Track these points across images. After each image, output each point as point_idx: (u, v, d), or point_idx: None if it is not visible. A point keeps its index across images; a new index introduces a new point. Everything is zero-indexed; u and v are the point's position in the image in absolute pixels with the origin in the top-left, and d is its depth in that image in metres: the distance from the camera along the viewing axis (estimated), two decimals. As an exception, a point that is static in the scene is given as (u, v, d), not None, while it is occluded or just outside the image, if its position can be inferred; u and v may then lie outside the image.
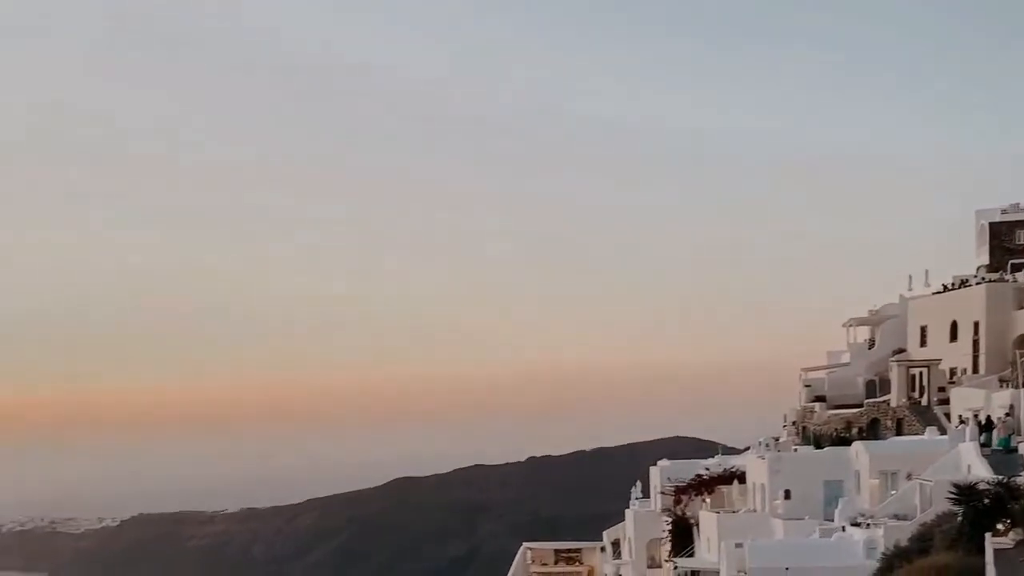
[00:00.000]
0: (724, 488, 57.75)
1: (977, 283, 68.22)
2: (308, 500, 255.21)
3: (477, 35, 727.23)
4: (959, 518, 30.33)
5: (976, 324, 65.79)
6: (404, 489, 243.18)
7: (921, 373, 66.63)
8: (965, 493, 30.62)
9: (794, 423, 74.54)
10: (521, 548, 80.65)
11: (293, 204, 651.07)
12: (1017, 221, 71.92)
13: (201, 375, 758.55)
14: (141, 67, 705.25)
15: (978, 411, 52.48)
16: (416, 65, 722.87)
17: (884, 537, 37.40)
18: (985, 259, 71.79)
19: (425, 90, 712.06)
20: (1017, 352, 60.65)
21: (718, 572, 45.37)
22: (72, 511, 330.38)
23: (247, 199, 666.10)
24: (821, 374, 74.72)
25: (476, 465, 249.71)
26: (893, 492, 44.25)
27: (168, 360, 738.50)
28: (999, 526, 27.70)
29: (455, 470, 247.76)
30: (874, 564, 34.82)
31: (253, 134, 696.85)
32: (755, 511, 51.74)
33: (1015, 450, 46.40)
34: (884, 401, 67.62)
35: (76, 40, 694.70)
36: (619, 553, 70.23)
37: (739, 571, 41.37)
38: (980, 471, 38.79)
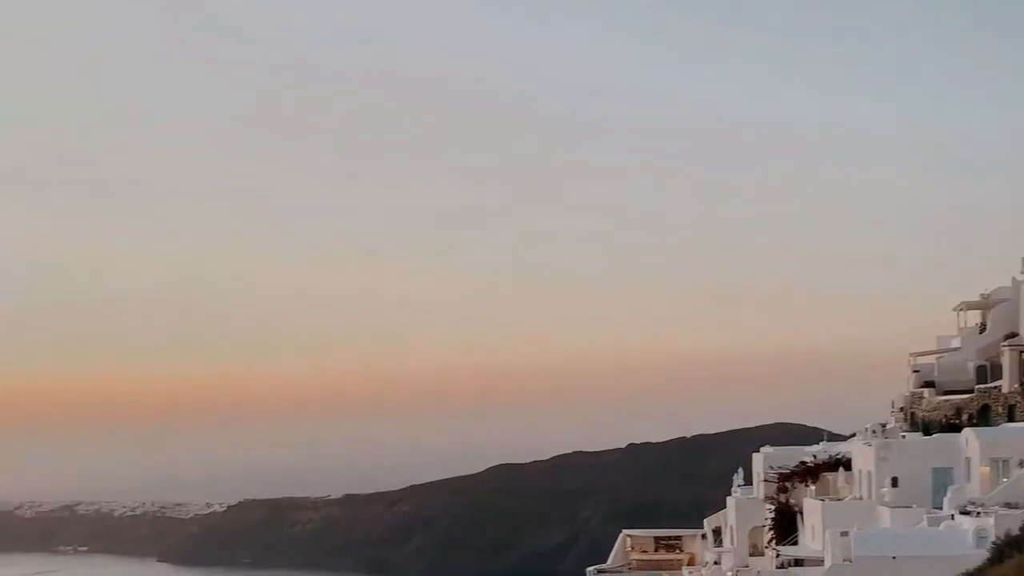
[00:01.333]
0: (829, 475, 56.79)
1: (1092, 265, 65.72)
2: (408, 487, 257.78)
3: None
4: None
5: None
6: (504, 476, 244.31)
7: (1034, 358, 64.40)
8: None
9: (902, 409, 72.77)
10: (621, 535, 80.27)
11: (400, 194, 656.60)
12: None
13: (308, 363, 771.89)
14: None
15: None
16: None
17: (995, 526, 36.41)
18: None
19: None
20: None
21: (822, 561, 44.59)
22: (181, 497, 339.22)
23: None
24: (930, 359, 72.67)
25: (576, 452, 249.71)
26: (1004, 480, 43.02)
27: (275, 348, 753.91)
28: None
29: (555, 457, 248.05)
30: (984, 553, 33.88)
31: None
32: (861, 499, 50.80)
33: None
34: (995, 387, 65.58)
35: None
36: (720, 541, 69.49)
37: (844, 560, 40.63)
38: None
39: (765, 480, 61.52)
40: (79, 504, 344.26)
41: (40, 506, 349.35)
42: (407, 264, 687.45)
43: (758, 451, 65.90)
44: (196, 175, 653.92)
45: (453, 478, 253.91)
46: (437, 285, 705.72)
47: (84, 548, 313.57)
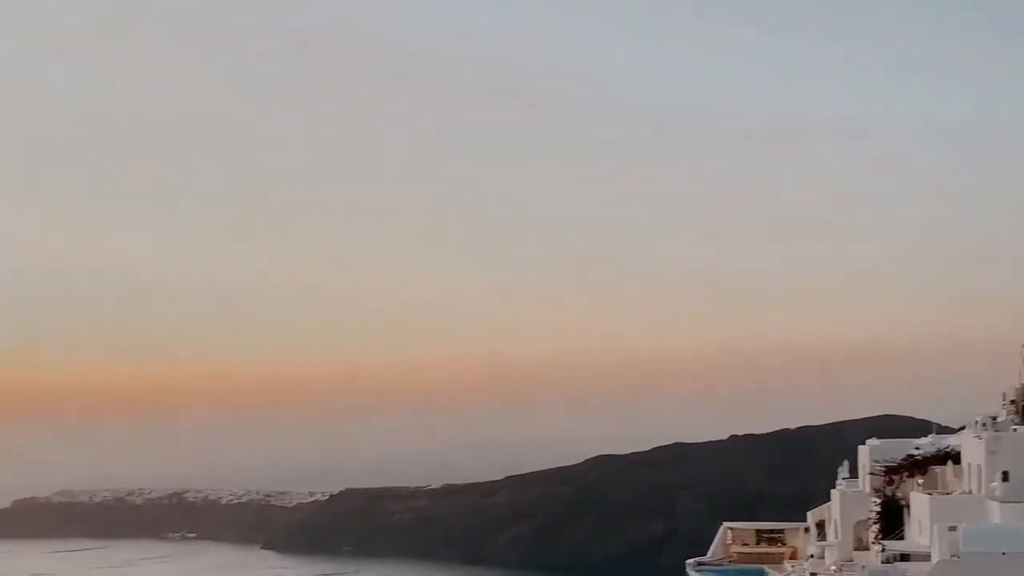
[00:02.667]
0: (937, 469, 55.14)
1: None
2: (506, 477, 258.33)
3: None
4: None
5: None
6: (603, 467, 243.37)
7: None
8: None
9: (1013, 401, 70.24)
10: (721, 527, 79.17)
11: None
12: None
13: (407, 355, 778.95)
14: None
15: None
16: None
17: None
18: None
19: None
20: None
21: (929, 557, 43.26)
22: (285, 486, 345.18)
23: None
24: (1043, 349, 70.03)
25: (676, 443, 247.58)
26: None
27: (374, 340, 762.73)
28: None
29: (655, 448, 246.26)
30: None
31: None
32: (970, 493, 49.19)
33: None
34: (1112, 377, 62.89)
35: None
36: (824, 534, 68.03)
37: (952, 556, 39.35)
38: None
39: (871, 473, 60.05)
40: (187, 492, 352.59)
41: (150, 494, 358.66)
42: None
43: (864, 443, 64.48)
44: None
45: (551, 469, 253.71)
46: (536, 278, 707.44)
47: (191, 535, 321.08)
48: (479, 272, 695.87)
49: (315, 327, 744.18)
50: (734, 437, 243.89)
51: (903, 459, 57.28)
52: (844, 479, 65.86)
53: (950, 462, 53.98)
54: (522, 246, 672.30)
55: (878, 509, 57.63)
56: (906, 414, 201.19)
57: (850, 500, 62.67)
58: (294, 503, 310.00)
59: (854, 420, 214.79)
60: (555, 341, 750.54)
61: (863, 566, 56.31)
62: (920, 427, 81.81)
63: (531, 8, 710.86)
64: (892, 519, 55.66)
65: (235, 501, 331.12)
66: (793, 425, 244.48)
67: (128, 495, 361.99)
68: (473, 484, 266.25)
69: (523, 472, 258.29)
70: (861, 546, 61.72)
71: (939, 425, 75.83)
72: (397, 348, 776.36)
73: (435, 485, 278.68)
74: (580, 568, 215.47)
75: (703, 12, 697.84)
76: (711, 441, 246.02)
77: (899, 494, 56.43)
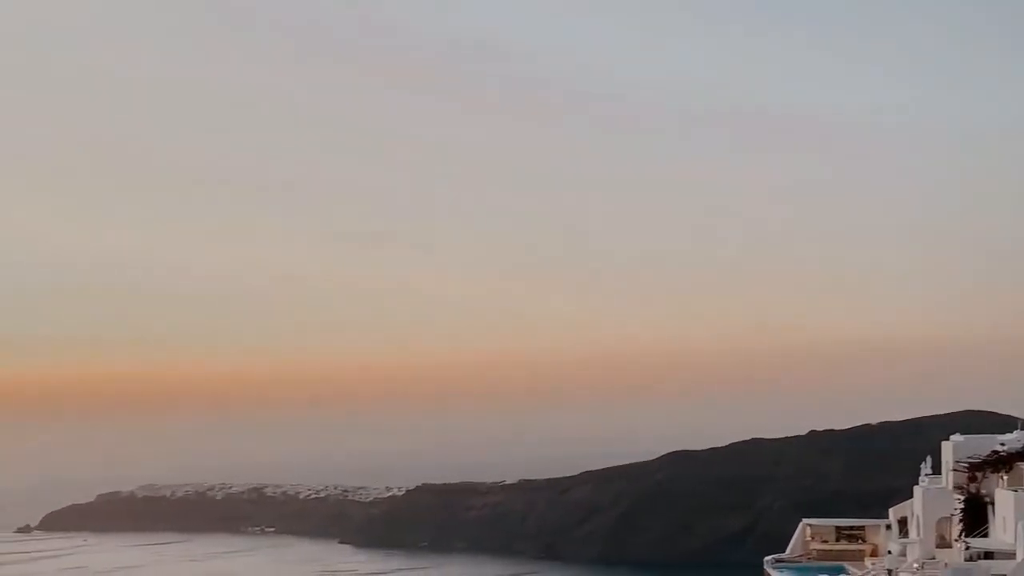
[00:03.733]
0: (1023, 465, 53.68)
1: None
2: (583, 473, 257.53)
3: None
4: None
5: None
6: (680, 463, 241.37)
7: None
8: None
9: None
10: (800, 524, 78.29)
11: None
12: None
13: (483, 352, 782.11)
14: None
15: None
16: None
17: None
18: None
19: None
20: None
21: (1014, 554, 41.97)
22: (363, 481, 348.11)
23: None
24: None
25: (754, 439, 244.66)
26: None
27: (452, 338, 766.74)
28: None
29: (732, 444, 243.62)
30: None
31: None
32: (1059, 490, 47.62)
33: None
34: None
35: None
36: (905, 532, 66.71)
37: (1041, 555, 37.98)
38: None
39: (954, 470, 58.90)
40: (267, 487, 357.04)
41: (230, 488, 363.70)
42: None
43: (947, 439, 63.20)
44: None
45: (628, 465, 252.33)
46: (613, 272, 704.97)
47: (271, 529, 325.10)
48: (548, 270, 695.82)
49: (391, 322, 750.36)
50: (813, 433, 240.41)
51: (988, 455, 56.00)
52: (927, 476, 64.57)
53: (1037, 458, 52.54)
54: (577, 245, 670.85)
55: (961, 506, 56.38)
56: (991, 409, 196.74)
57: (933, 497, 61.42)
58: (371, 498, 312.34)
59: (936, 416, 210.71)
60: (629, 338, 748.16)
61: (945, 564, 55.07)
62: (1006, 423, 79.71)
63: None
64: (976, 516, 54.44)
65: (313, 496, 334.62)
66: (875, 420, 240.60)
67: (209, 490, 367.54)
68: (549, 480, 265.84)
69: (600, 468, 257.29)
70: (944, 543, 60.49)
71: (1024, 421, 73.66)
72: (470, 345, 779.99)
73: (511, 480, 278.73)
74: (656, 564, 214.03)
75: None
76: (789, 437, 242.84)
77: (983, 491, 55.19)
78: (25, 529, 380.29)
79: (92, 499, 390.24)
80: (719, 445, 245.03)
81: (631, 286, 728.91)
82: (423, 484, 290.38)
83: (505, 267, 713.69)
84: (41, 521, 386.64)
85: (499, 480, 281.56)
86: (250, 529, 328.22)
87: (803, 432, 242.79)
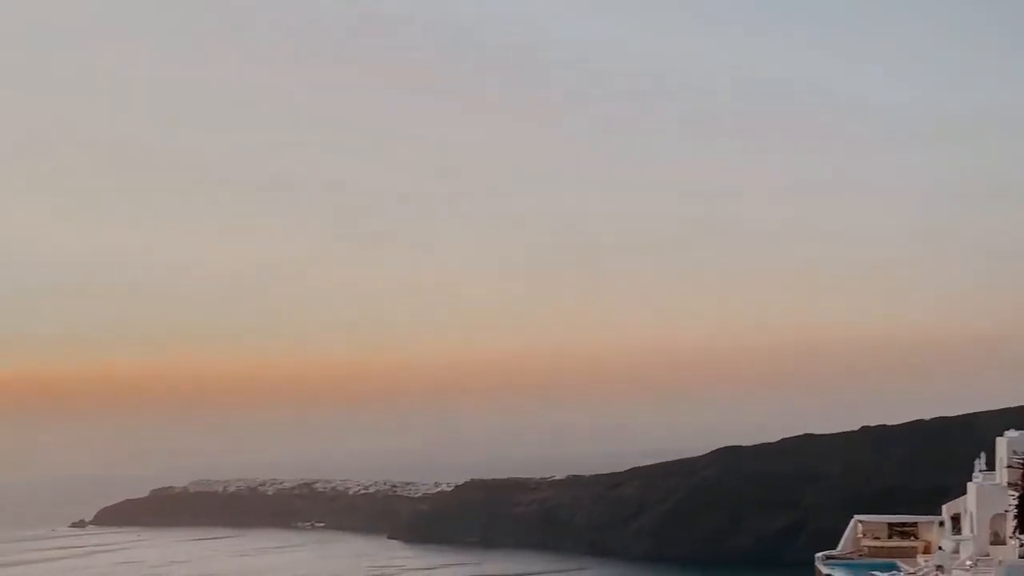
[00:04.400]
0: (1080, 461, 52.49)
1: None
2: (632, 468, 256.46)
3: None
4: None
5: None
6: (729, 458, 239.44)
7: None
8: None
9: None
10: (852, 521, 77.57)
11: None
12: None
13: (536, 346, 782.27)
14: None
15: None
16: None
17: None
18: None
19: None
20: None
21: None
22: (411, 476, 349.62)
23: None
24: None
25: (805, 435, 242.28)
26: None
27: (502, 332, 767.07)
28: None
29: (782, 439, 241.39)
30: None
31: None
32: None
33: None
34: None
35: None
36: (959, 529, 65.69)
37: (1099, 552, 36.99)
38: None
39: (1009, 466, 57.84)
40: (316, 482, 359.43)
41: (281, 484, 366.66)
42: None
43: (1002, 435, 62.15)
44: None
45: (676, 461, 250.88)
46: (668, 267, 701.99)
47: (320, 524, 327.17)
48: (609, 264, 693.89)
49: (438, 320, 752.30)
50: (865, 428, 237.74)
51: (1043, 451, 54.77)
52: (981, 472, 63.58)
53: (1094, 454, 51.36)
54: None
55: (1016, 503, 55.33)
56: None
57: (987, 493, 60.46)
58: (420, 493, 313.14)
59: (991, 411, 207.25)
60: (677, 331, 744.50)
61: (999, 561, 54.12)
62: (1062, 418, 78.11)
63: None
64: (1032, 513, 53.24)
65: (362, 491, 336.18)
66: (928, 416, 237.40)
67: (260, 485, 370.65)
68: (598, 476, 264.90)
69: (649, 464, 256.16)
70: (998, 540, 59.57)
71: (1082, 415, 72.29)
72: (519, 339, 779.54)
73: (559, 476, 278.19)
74: (706, 561, 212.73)
75: None
76: (841, 432, 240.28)
77: (1039, 487, 53.99)
78: (80, 524, 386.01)
79: (145, 494, 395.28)
80: (769, 441, 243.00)
81: (661, 281, 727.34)
82: (471, 480, 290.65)
83: (541, 264, 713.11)
84: (95, 516, 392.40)
85: (547, 476, 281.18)
86: (300, 524, 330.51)
87: (855, 428, 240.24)
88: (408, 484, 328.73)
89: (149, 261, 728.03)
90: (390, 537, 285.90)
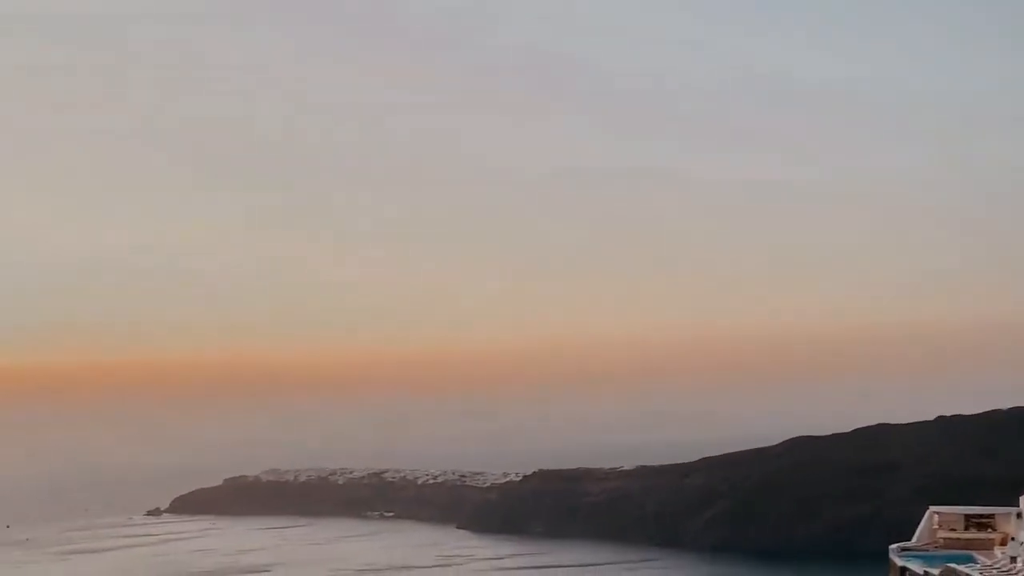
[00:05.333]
0: None
1: None
2: (702, 458, 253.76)
3: None
4: None
5: None
6: (802, 449, 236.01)
7: None
8: None
9: None
10: (928, 512, 75.52)
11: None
12: None
13: (596, 334, 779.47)
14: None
15: None
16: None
17: None
18: None
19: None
20: None
21: None
22: (480, 466, 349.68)
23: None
24: None
25: (880, 424, 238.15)
26: None
27: (573, 322, 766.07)
28: None
29: (857, 429, 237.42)
30: None
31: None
32: None
33: None
34: None
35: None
36: (1038, 520, 63.23)
37: None
38: None
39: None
40: (386, 472, 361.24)
41: (351, 474, 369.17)
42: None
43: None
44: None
45: (748, 450, 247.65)
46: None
47: (390, 514, 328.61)
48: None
49: (509, 309, 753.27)
50: (941, 418, 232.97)
51: None
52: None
53: None
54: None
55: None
56: None
57: (1069, 483, 58.12)
58: (488, 483, 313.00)
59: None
60: (750, 319, 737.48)
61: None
62: None
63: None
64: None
65: (431, 481, 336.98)
66: (1006, 406, 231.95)
67: (331, 475, 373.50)
68: (668, 466, 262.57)
69: (720, 453, 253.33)
70: (1081, 532, 57.13)
71: None
72: (585, 328, 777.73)
73: (628, 466, 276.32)
74: (777, 551, 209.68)
75: None
76: (916, 422, 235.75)
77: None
78: (155, 512, 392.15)
79: (219, 483, 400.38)
80: (843, 430, 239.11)
81: (759, 271, 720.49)
82: (540, 470, 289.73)
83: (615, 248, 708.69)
84: (171, 504, 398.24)
85: (616, 466, 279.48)
86: (369, 514, 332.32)
87: (931, 417, 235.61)
88: (477, 474, 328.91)
89: (219, 254, 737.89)
90: (458, 527, 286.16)
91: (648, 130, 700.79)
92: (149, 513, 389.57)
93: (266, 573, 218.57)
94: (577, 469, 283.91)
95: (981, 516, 73.43)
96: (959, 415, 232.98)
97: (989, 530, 71.82)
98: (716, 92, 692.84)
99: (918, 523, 75.42)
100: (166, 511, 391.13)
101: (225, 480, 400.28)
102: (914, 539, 74.21)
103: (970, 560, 65.40)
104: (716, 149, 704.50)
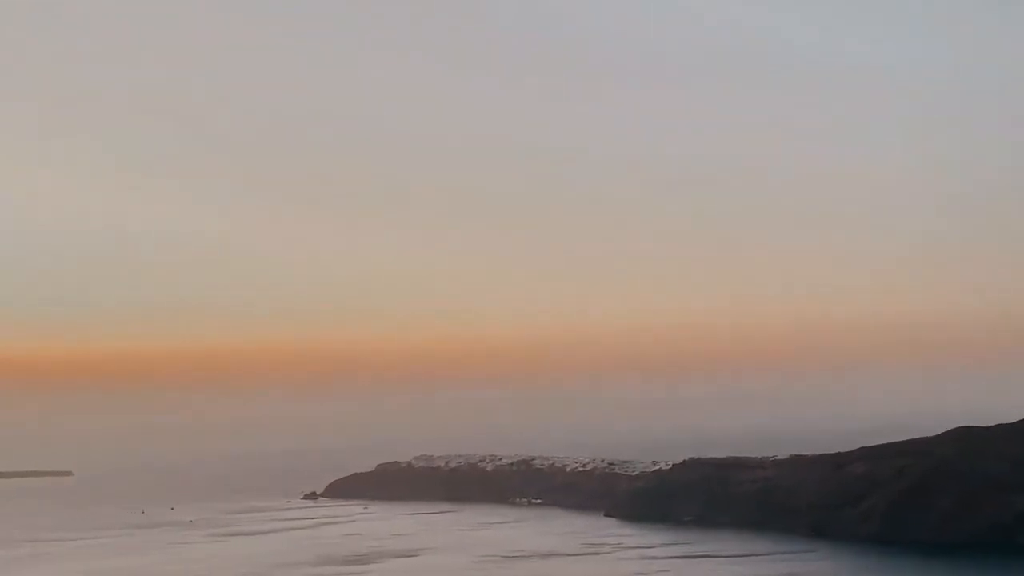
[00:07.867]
0: None
1: None
2: (859, 448, 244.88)
3: None
4: None
5: None
6: (965, 439, 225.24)
7: None
8: None
9: None
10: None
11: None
12: None
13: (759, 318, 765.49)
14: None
15: None
16: None
17: None
18: None
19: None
20: None
21: None
22: (629, 455, 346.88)
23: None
24: None
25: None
26: None
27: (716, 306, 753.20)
28: None
29: (1022, 420, 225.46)
30: None
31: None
32: None
33: None
34: None
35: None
36: None
37: None
38: None
39: None
40: (535, 459, 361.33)
41: (499, 461, 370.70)
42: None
43: None
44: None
45: (908, 440, 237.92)
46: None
47: (537, 501, 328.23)
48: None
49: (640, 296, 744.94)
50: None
51: None
52: None
53: None
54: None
55: None
56: None
57: None
58: (637, 471, 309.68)
59: None
60: (908, 306, 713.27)
61: None
62: None
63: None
64: None
65: (580, 468, 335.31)
66: None
67: (480, 461, 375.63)
68: (823, 455, 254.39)
69: (877, 443, 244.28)
70: None
71: None
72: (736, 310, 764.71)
73: (782, 456, 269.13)
74: (937, 546, 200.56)
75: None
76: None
77: None
78: (311, 496, 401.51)
79: (372, 468, 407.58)
80: (1011, 421, 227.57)
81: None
82: (691, 459, 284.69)
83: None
84: (326, 488, 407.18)
85: (770, 455, 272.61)
86: (517, 500, 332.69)
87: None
88: (626, 462, 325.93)
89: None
90: (607, 515, 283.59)
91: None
92: (306, 497, 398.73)
93: (414, 557, 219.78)
94: (728, 458, 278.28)
95: None
96: None
97: None
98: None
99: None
100: (321, 495, 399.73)
101: (378, 465, 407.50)
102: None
103: None
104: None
